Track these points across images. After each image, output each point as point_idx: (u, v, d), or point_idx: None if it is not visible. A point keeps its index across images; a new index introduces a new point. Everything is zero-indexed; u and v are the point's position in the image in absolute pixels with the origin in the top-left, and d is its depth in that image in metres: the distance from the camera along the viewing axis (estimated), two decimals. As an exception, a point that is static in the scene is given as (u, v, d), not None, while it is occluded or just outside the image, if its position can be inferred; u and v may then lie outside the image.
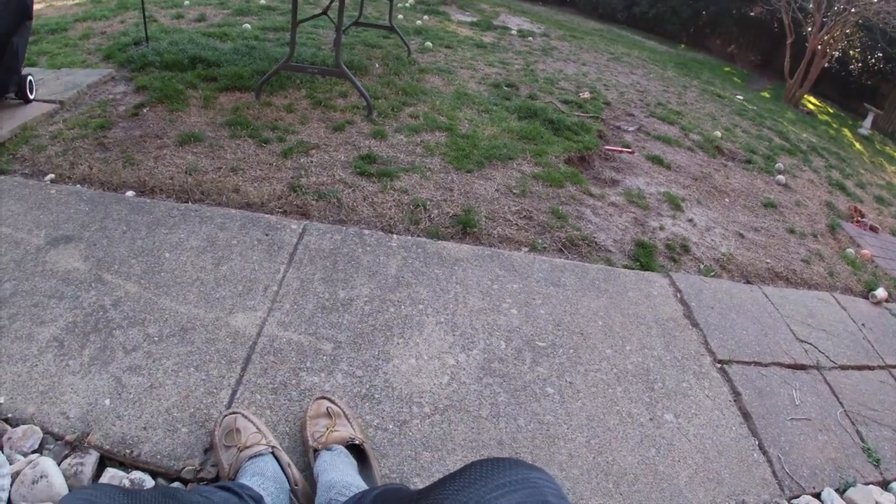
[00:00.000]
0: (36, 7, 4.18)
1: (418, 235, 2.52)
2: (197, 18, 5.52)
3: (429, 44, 5.84)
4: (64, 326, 1.75)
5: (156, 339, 1.75)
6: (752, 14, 13.67)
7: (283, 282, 2.05)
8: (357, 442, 1.43)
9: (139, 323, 1.79)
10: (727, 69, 12.34)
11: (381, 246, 2.34)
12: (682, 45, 14.02)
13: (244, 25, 5.34)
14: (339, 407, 1.54)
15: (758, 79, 12.65)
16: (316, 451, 1.39)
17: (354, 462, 1.40)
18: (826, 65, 10.27)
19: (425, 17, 7.51)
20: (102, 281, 1.94)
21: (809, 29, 10.13)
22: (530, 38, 7.49)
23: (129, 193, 2.51)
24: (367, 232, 2.42)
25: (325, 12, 4.04)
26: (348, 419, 1.51)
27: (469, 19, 8.05)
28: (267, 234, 2.28)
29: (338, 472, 1.29)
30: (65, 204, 2.31)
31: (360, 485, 1.24)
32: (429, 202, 2.76)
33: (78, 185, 2.52)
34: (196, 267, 2.06)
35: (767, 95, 10.29)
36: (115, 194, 2.47)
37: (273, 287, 2.02)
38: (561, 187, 3.20)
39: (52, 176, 2.57)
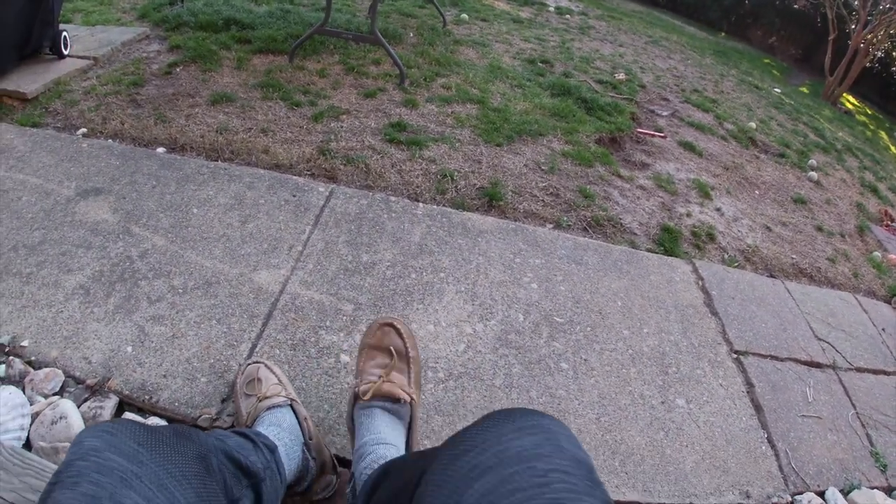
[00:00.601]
0: (71, -34, 4.21)
1: (444, 205, 2.52)
2: (234, -19, 5.51)
3: (465, 16, 5.79)
4: (90, 275, 1.78)
5: (180, 291, 1.77)
6: (795, 6, 13.33)
7: (308, 242, 2.07)
8: (406, 400, 1.30)
9: (164, 275, 1.82)
10: (766, 61, 12.09)
11: (406, 213, 2.34)
12: (723, 33, 13.76)
13: (280, -10, 5.33)
14: (405, 344, 1.40)
15: (797, 73, 12.39)
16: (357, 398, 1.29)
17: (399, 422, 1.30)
18: (867, 64, 10.03)
19: (462, -11, 7.43)
20: (130, 233, 1.97)
21: (853, 26, 9.86)
22: (568, 16, 7.38)
23: (160, 150, 2.53)
24: (393, 199, 2.42)
25: (361, -21, 4.02)
26: (409, 364, 1.38)
27: (506, -6, 7.97)
28: (294, 196, 2.29)
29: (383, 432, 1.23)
30: (96, 157, 2.34)
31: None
32: (456, 173, 2.75)
33: (109, 140, 2.55)
34: (223, 224, 2.08)
35: (806, 91, 10.07)
36: (145, 150, 2.49)
37: (298, 247, 2.03)
38: (590, 167, 3.17)
39: (83, 130, 2.60)
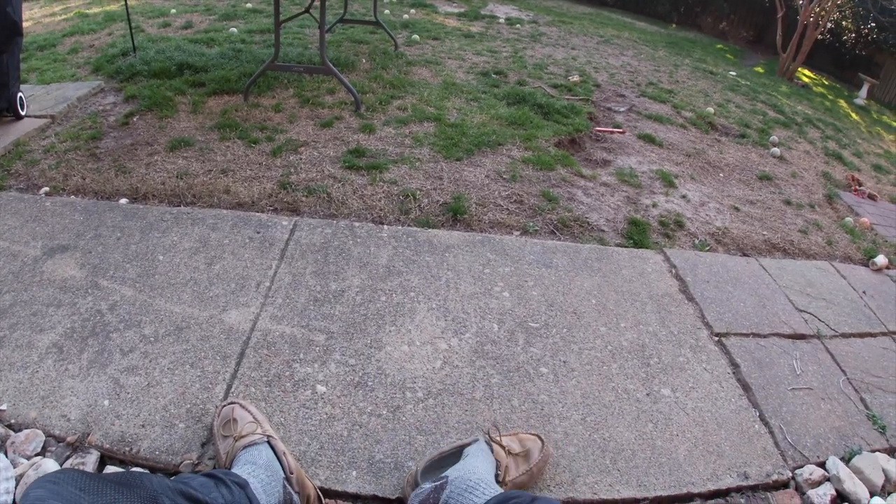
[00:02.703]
0: (24, 25, 4.21)
1: (409, 225, 2.54)
2: (184, 26, 5.54)
3: (416, 37, 5.85)
4: (62, 332, 1.78)
5: (152, 339, 1.78)
6: (742, -11, 13.62)
7: (276, 277, 2.08)
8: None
9: (135, 325, 1.82)
10: (719, 46, 12.29)
11: (371, 237, 2.36)
12: (673, 25, 13.98)
13: (230, 30, 5.36)
14: None
15: (751, 55, 12.61)
16: None
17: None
18: (819, 37, 10.20)
19: (412, 10, 7.51)
20: (98, 287, 1.97)
21: (800, 1, 10.05)
22: (518, 26, 7.48)
23: (123, 201, 2.54)
24: (357, 224, 2.44)
25: (307, 10, 4.05)
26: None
27: (456, 10, 8.05)
28: (258, 232, 2.31)
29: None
30: (60, 215, 2.35)
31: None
32: (418, 192, 2.78)
33: (72, 196, 2.55)
34: (189, 267, 2.09)
35: (761, 70, 10.25)
36: (108, 202, 2.50)
37: (265, 283, 2.05)
38: (551, 170, 3.21)
39: (46, 189, 2.60)
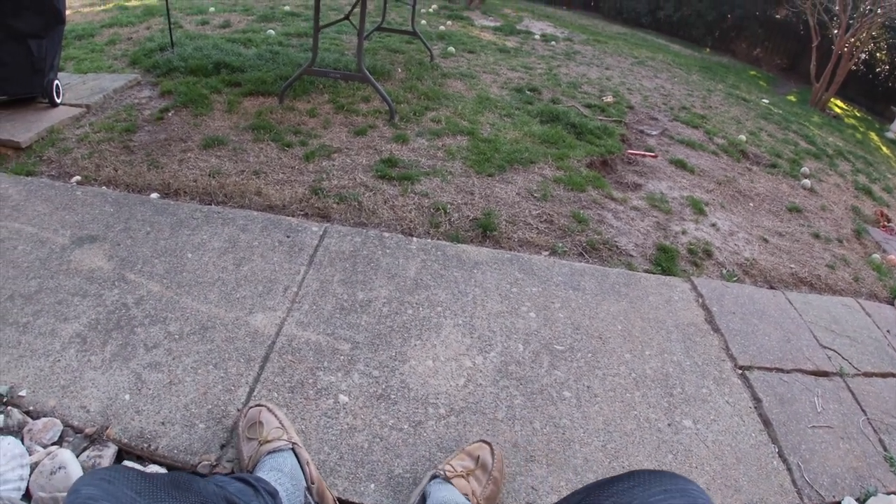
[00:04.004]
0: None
1: (438, 238, 2.53)
2: (222, 25, 5.59)
3: (451, 49, 5.86)
4: (87, 323, 1.78)
5: (176, 336, 1.77)
6: (777, 17, 13.46)
7: (303, 283, 2.07)
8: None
9: (160, 321, 1.82)
10: (752, 73, 12.20)
11: (400, 248, 2.34)
12: (707, 49, 13.89)
13: (268, 31, 5.40)
14: (492, 464, 1.47)
15: (783, 82, 12.48)
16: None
17: None
18: (853, 67, 10.06)
19: (448, 22, 7.53)
20: (125, 280, 1.97)
21: (835, 31, 9.93)
22: (553, 43, 7.48)
23: (154, 195, 2.55)
24: (386, 234, 2.43)
25: (347, 17, 4.07)
26: (488, 482, 1.44)
27: (492, 24, 8.06)
28: (288, 236, 2.30)
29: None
30: (90, 205, 2.36)
31: None
32: (449, 206, 2.76)
33: (103, 187, 2.57)
34: (218, 267, 2.09)
35: (793, 99, 10.14)
36: (139, 196, 2.51)
37: (293, 288, 2.04)
38: (582, 191, 3.19)
39: (78, 178, 2.62)
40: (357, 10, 3.67)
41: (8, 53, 2.87)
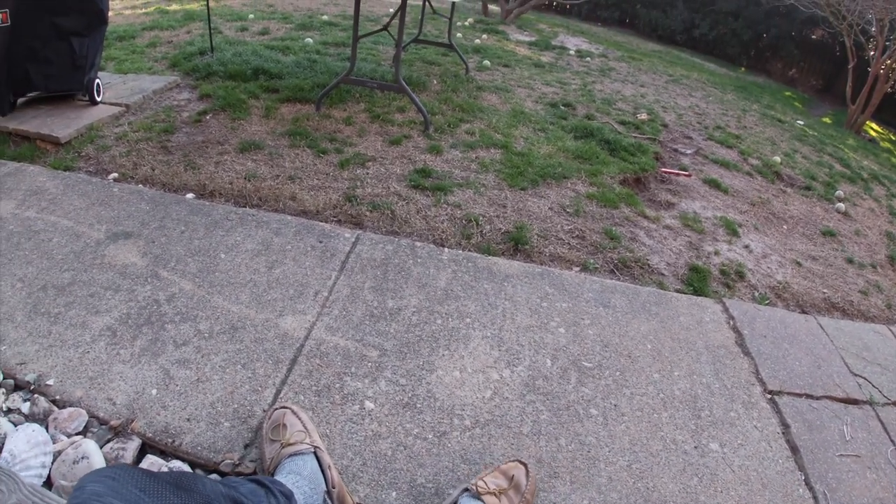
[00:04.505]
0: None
1: (469, 250, 2.52)
2: (261, 32, 5.67)
3: (487, 62, 5.87)
4: (118, 317, 1.81)
5: (206, 335, 1.78)
6: (813, 37, 13.31)
7: (334, 288, 2.08)
8: None
9: (191, 319, 1.84)
10: (788, 93, 12.06)
11: (431, 258, 2.34)
12: (743, 69, 13.77)
13: (306, 40, 5.46)
14: (526, 485, 1.46)
15: (819, 104, 12.32)
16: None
17: None
18: (889, 90, 9.88)
19: (484, 35, 7.56)
20: (158, 277, 2.00)
21: (872, 53, 9.77)
22: (588, 59, 7.46)
23: (189, 195, 2.58)
24: (418, 244, 2.43)
25: (385, 28, 4.11)
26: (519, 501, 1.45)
27: (527, 39, 8.08)
28: (321, 242, 2.31)
29: None
30: (126, 202, 2.40)
31: None
32: (481, 218, 2.76)
33: (140, 185, 2.61)
34: (250, 269, 2.10)
35: (828, 121, 10.00)
36: (175, 195, 2.54)
37: (323, 293, 2.04)
38: (615, 208, 3.16)
39: (115, 175, 2.67)
40: (395, 21, 3.69)
41: (53, 51, 2.94)
